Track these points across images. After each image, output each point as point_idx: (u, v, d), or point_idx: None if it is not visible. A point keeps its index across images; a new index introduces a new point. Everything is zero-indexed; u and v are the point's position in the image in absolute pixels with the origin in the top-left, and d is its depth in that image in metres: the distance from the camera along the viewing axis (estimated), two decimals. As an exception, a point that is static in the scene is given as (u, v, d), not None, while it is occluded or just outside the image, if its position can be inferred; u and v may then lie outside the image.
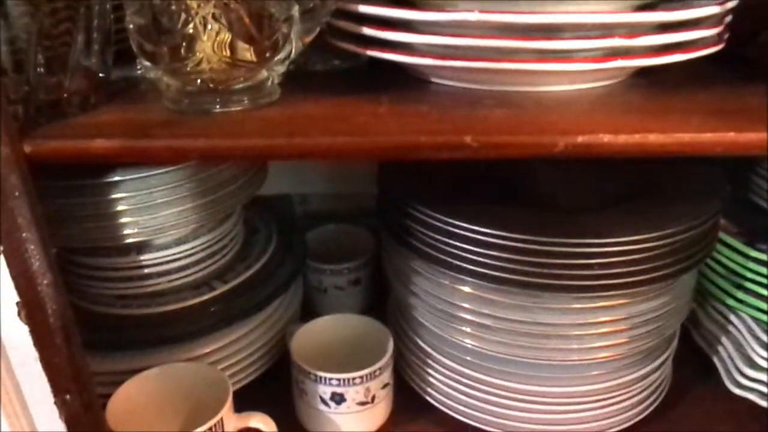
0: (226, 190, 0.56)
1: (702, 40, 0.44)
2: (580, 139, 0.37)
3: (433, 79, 0.49)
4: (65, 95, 0.40)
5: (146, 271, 0.58)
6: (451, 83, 0.48)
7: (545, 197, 0.58)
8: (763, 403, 0.60)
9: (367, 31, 0.44)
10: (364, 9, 0.44)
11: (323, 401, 0.56)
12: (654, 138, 0.37)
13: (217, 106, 0.42)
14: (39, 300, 0.37)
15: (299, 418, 0.60)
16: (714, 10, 0.43)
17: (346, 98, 0.45)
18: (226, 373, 0.59)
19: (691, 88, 0.48)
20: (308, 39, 0.44)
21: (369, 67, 0.54)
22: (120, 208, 0.51)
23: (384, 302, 0.71)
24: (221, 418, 0.50)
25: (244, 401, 0.56)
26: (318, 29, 0.44)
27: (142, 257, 0.57)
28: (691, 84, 0.49)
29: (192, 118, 0.41)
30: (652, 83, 0.49)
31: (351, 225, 0.78)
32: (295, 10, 0.42)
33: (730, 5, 0.45)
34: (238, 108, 0.42)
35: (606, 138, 0.37)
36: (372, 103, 0.44)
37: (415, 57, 0.44)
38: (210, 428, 0.49)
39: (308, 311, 0.72)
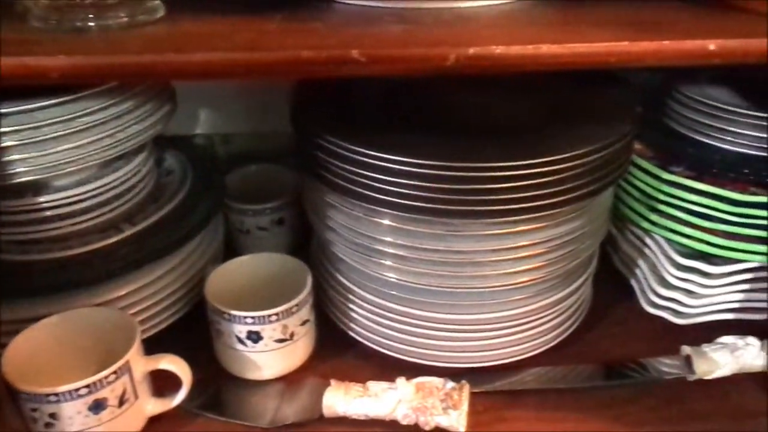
0: (124, 125, 0.53)
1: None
2: (471, 51, 0.36)
3: (335, -2, 0.47)
4: None
5: (47, 213, 0.54)
6: (352, 2, 0.46)
7: (459, 123, 0.57)
8: (674, 320, 0.61)
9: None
10: None
11: (240, 340, 0.55)
12: (547, 49, 0.36)
13: (91, 23, 0.39)
14: None
15: (218, 359, 0.59)
16: None
17: (237, 17, 0.43)
18: (141, 317, 0.57)
19: (603, 5, 0.46)
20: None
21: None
22: (4, 144, 0.47)
23: (310, 242, 0.69)
24: (127, 361, 0.48)
25: (164, 345, 0.54)
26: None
27: (40, 199, 0.54)
28: (605, 1, 0.47)
29: (62, 37, 0.37)
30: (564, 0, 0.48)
31: (274, 165, 0.76)
32: None
33: None
34: (116, 25, 0.39)
35: (498, 50, 0.36)
36: (263, 21, 0.41)
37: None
38: (114, 372, 0.47)
39: (233, 253, 0.70)
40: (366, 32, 0.39)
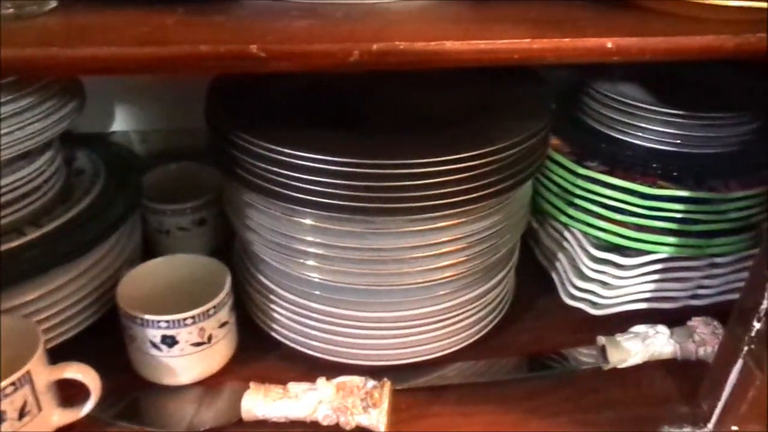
0: (23, 122, 0.50)
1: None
2: (375, 47, 0.35)
3: (243, -9, 0.45)
4: None
5: (-60, 217, 0.51)
6: (261, -5, 0.45)
7: (376, 119, 0.57)
8: (591, 311, 0.63)
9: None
10: None
11: (154, 345, 0.53)
12: (450, 45, 0.36)
13: (-28, 14, 0.36)
14: None
15: (133, 366, 0.57)
16: None
17: (137, 10, 0.41)
18: (50, 323, 0.55)
19: (515, 3, 0.46)
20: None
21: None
22: None
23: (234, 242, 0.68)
24: (27, 371, 0.46)
25: (78, 353, 0.52)
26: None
27: (-68, 202, 0.50)
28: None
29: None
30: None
31: (195, 163, 0.73)
32: None
33: None
34: (1, 17, 0.37)
35: (402, 46, 0.35)
36: (163, 14, 0.40)
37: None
38: (12, 383, 0.44)
39: (153, 255, 0.67)
40: (270, 27, 0.38)
